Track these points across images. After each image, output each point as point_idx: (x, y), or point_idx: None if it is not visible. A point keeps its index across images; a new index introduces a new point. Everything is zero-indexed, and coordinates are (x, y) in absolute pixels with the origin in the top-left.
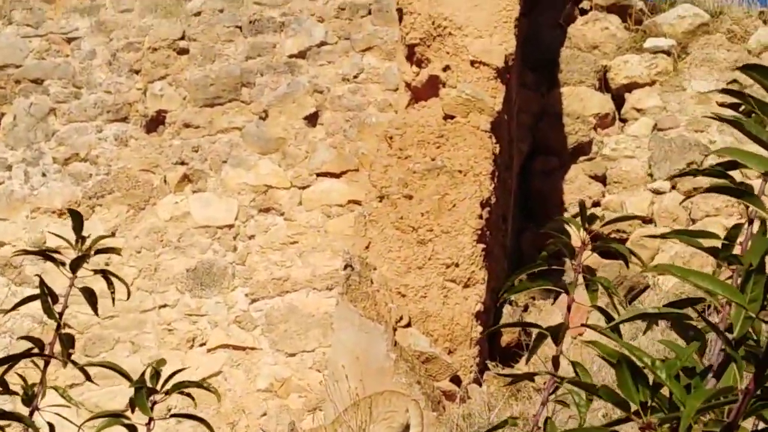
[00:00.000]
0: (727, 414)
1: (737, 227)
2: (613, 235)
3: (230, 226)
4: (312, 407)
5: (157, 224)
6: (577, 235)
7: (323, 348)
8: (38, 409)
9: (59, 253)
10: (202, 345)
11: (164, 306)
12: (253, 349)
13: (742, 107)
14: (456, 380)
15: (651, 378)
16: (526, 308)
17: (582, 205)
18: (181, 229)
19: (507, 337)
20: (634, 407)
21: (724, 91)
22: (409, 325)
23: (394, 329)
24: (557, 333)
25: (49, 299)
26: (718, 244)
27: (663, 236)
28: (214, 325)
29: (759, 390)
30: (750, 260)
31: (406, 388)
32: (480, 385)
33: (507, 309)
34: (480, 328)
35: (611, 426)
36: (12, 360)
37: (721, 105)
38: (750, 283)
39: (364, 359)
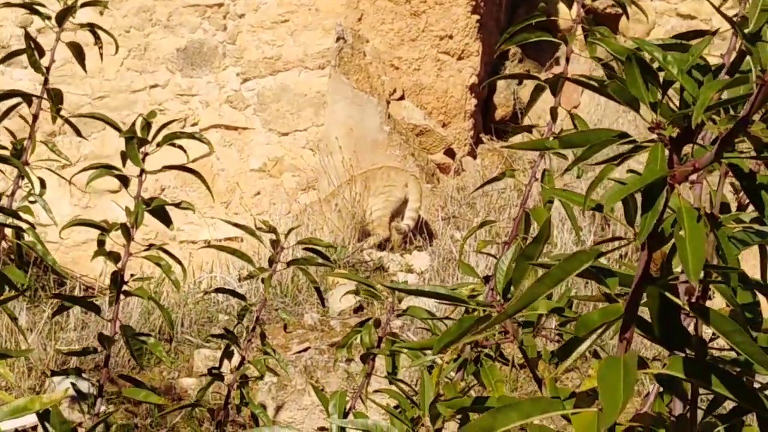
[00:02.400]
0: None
1: None
2: (608, 11)
3: (220, 5)
4: (306, 186)
5: (145, 3)
6: None
7: (316, 127)
8: (28, 164)
9: (44, 5)
10: (194, 125)
11: (155, 86)
12: (245, 128)
13: None
14: (450, 153)
15: (662, 78)
16: (520, 82)
17: None
18: (170, 8)
19: (501, 111)
20: (643, 108)
21: None
22: (402, 97)
23: (388, 102)
24: (555, 84)
25: (36, 53)
26: None
27: None
28: (206, 105)
29: None
30: None
31: (400, 160)
32: (474, 157)
33: (501, 83)
34: (474, 101)
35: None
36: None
37: None
38: None
39: (357, 131)
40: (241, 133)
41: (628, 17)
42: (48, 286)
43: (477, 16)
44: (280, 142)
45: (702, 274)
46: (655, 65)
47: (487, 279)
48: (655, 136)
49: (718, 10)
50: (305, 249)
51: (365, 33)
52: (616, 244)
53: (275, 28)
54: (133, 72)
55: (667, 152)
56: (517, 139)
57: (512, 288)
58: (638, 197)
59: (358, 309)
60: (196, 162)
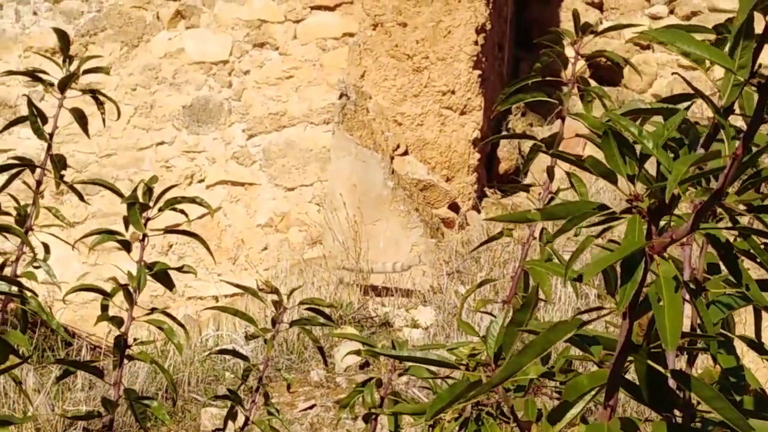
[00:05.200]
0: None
1: (730, 20)
2: (608, 64)
3: (225, 62)
4: (312, 240)
5: (151, 61)
6: (571, 49)
7: (322, 182)
8: (31, 230)
9: (47, 73)
10: (200, 182)
11: (162, 143)
12: (251, 184)
13: None
14: (454, 207)
15: (638, 150)
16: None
17: (575, 14)
18: (175, 66)
19: (505, 164)
20: (621, 181)
21: None
22: (406, 153)
23: (392, 157)
24: (552, 144)
25: (39, 120)
26: (712, 37)
27: (658, 33)
28: (212, 161)
29: (747, 155)
30: (738, 19)
31: (405, 215)
32: (478, 212)
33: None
34: (477, 155)
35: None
36: (1, 172)
37: None
38: (739, 49)
39: (361, 187)
40: (247, 188)
41: (622, 76)
42: (56, 346)
43: (479, 72)
44: (286, 197)
45: (686, 341)
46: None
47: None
48: (632, 208)
49: (694, 89)
50: (308, 309)
51: (368, 89)
52: (598, 313)
53: (280, 84)
54: (140, 129)
55: (645, 223)
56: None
57: (503, 352)
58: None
59: (364, 365)
60: (201, 219)
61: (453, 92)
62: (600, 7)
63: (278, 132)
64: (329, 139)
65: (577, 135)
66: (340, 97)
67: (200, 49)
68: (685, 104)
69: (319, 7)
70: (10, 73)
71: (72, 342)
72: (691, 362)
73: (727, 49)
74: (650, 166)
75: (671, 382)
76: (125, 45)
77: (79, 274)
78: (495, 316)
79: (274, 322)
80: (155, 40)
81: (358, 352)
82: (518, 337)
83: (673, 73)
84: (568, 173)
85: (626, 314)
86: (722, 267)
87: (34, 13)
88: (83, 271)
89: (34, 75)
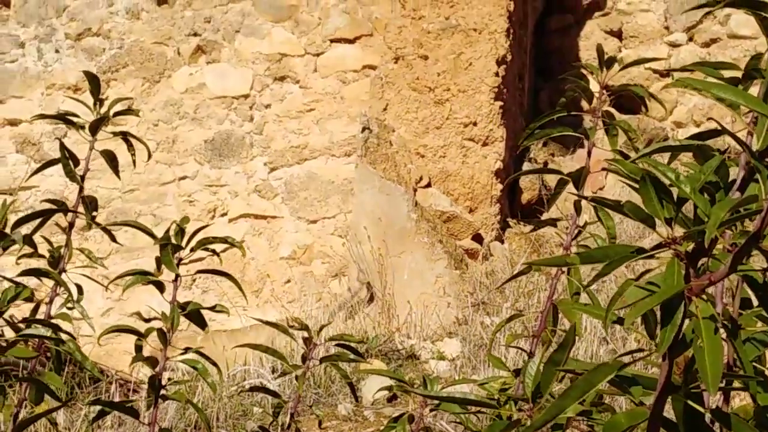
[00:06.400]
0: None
1: (757, 57)
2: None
3: (246, 96)
4: (335, 272)
5: (172, 96)
6: (595, 83)
7: (344, 214)
8: (65, 271)
9: (77, 116)
10: (223, 215)
11: (184, 178)
12: (274, 217)
13: None
14: (478, 238)
15: (675, 194)
16: (545, 165)
17: (599, 49)
18: (197, 101)
19: (527, 194)
20: (659, 224)
21: None
22: (429, 185)
23: (415, 190)
24: (578, 178)
25: (71, 163)
26: (739, 75)
27: (683, 69)
28: (235, 195)
29: None
30: None
31: (429, 247)
32: (502, 242)
33: (526, 166)
34: (500, 186)
35: (654, 249)
36: (38, 217)
37: None
38: None
39: (385, 220)
40: (270, 221)
41: (647, 108)
42: (84, 383)
43: (500, 103)
44: (308, 230)
45: (723, 382)
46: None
47: (517, 372)
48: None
49: (731, 134)
50: (337, 345)
51: (390, 122)
52: (638, 355)
53: (301, 117)
54: (162, 165)
55: (683, 266)
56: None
57: (541, 391)
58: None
59: (391, 398)
60: (224, 252)
61: (475, 124)
62: (619, 35)
63: (300, 165)
64: (351, 171)
65: (603, 169)
66: (363, 130)
67: (221, 83)
68: (715, 139)
69: (338, 40)
70: (42, 116)
71: (101, 379)
72: (727, 399)
73: (761, 93)
74: (683, 203)
75: (707, 418)
76: (147, 81)
77: (103, 309)
78: (524, 350)
79: (304, 359)
80: (176, 75)
81: (390, 388)
82: (556, 377)
83: (708, 119)
84: (594, 207)
85: (665, 355)
86: (754, 301)
87: (56, 51)
88: (107, 307)
89: (65, 118)
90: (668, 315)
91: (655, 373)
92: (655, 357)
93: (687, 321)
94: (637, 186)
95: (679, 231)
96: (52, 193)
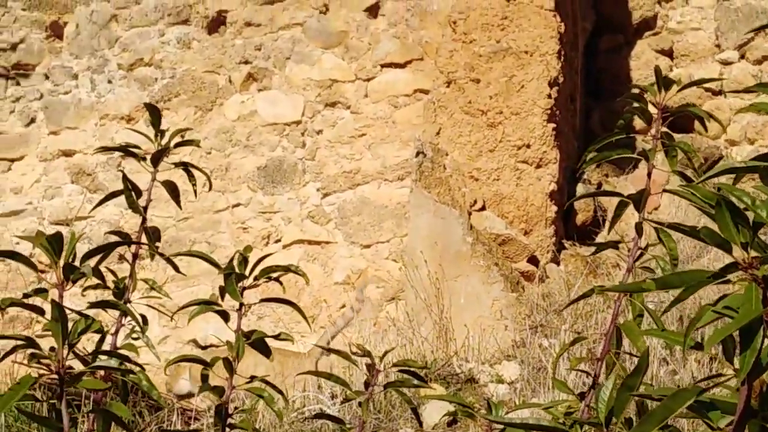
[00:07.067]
0: None
1: None
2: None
3: (297, 123)
4: (390, 296)
5: (225, 124)
6: (651, 103)
7: (398, 238)
8: (129, 302)
9: (138, 147)
10: (277, 242)
11: (237, 205)
12: (327, 243)
13: None
14: (533, 261)
15: (751, 218)
16: (599, 186)
17: (657, 70)
18: (249, 128)
19: (582, 215)
20: (735, 249)
21: None
22: (483, 208)
23: (469, 213)
24: (639, 200)
25: (133, 194)
26: None
27: (747, 90)
28: (288, 221)
29: None
30: None
31: (484, 270)
32: (558, 264)
33: (580, 188)
34: (555, 208)
35: (723, 271)
36: (106, 250)
37: None
38: None
39: (441, 244)
40: (323, 247)
41: (706, 129)
42: (143, 411)
43: (553, 124)
44: (362, 254)
45: None
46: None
47: (582, 396)
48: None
49: None
50: (400, 371)
51: (444, 146)
52: (719, 380)
53: (353, 142)
54: (216, 192)
55: (760, 290)
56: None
57: (614, 417)
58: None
59: (451, 422)
60: (281, 277)
61: (528, 146)
62: (670, 54)
63: (352, 190)
64: (404, 195)
65: (665, 190)
66: (417, 154)
67: (273, 110)
68: None
69: (389, 65)
70: (104, 149)
71: (163, 407)
72: None
73: None
74: (759, 228)
75: None
76: (199, 109)
77: (160, 337)
78: (588, 373)
79: (367, 385)
80: (228, 103)
81: (455, 414)
82: (630, 402)
83: None
84: (656, 229)
85: (744, 380)
86: None
87: (109, 82)
88: (164, 334)
89: (127, 150)
90: (747, 340)
91: (724, 394)
92: (733, 382)
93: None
94: (710, 211)
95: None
96: (107, 222)
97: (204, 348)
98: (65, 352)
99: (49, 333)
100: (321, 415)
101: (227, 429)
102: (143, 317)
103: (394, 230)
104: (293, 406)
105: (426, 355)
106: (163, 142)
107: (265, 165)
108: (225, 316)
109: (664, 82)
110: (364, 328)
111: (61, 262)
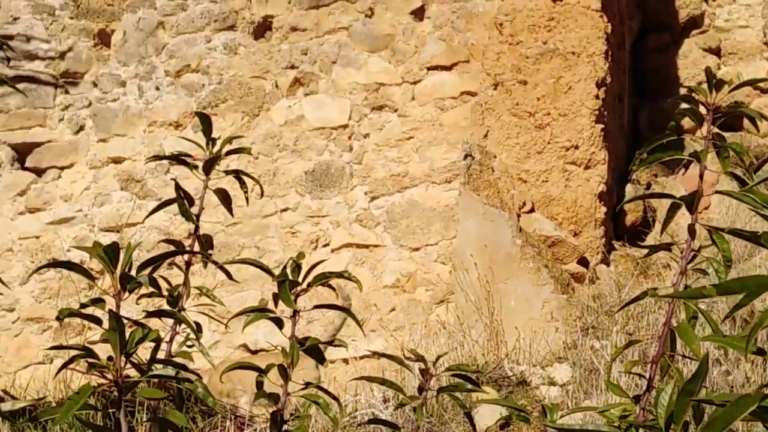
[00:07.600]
0: None
1: None
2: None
3: (344, 126)
4: (439, 299)
5: (272, 129)
6: (702, 104)
7: (446, 241)
8: (184, 309)
9: (191, 156)
10: (325, 246)
11: (286, 209)
12: (376, 246)
13: None
14: (583, 262)
15: None
16: (648, 186)
17: (708, 71)
18: (296, 133)
19: (631, 216)
20: None
21: None
22: (532, 210)
23: (518, 215)
24: (692, 201)
25: (186, 202)
26: None
27: None
28: (336, 225)
29: None
30: None
31: (534, 272)
32: (608, 265)
33: (629, 188)
34: (604, 209)
35: None
36: (162, 259)
37: None
38: None
39: (490, 247)
40: (372, 250)
41: (758, 129)
42: (196, 417)
43: (601, 125)
44: (411, 257)
45: None
46: None
47: (637, 399)
48: None
49: None
50: (453, 375)
51: (492, 148)
52: None
53: (400, 145)
54: (264, 197)
55: None
56: (651, 242)
57: (673, 423)
58: None
59: (504, 425)
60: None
61: (576, 147)
62: (717, 53)
63: (400, 193)
64: (452, 198)
65: (717, 192)
66: (465, 157)
67: (319, 114)
68: None
69: (435, 68)
70: (156, 158)
71: (216, 414)
72: None
73: None
74: None
75: None
76: (246, 114)
77: (211, 342)
78: (642, 375)
79: (420, 390)
80: (275, 108)
81: (510, 418)
82: (689, 408)
83: None
84: (709, 230)
85: None
86: None
87: (157, 88)
88: (214, 340)
89: (179, 159)
90: None
91: None
92: None
93: None
94: (767, 214)
95: None
96: (157, 228)
97: (254, 353)
98: (123, 361)
99: (104, 340)
100: (375, 420)
101: None
102: (197, 325)
103: (443, 233)
104: (346, 411)
105: (477, 358)
106: (214, 150)
107: (312, 169)
108: (279, 322)
109: (715, 83)
110: (415, 332)
111: (118, 272)
